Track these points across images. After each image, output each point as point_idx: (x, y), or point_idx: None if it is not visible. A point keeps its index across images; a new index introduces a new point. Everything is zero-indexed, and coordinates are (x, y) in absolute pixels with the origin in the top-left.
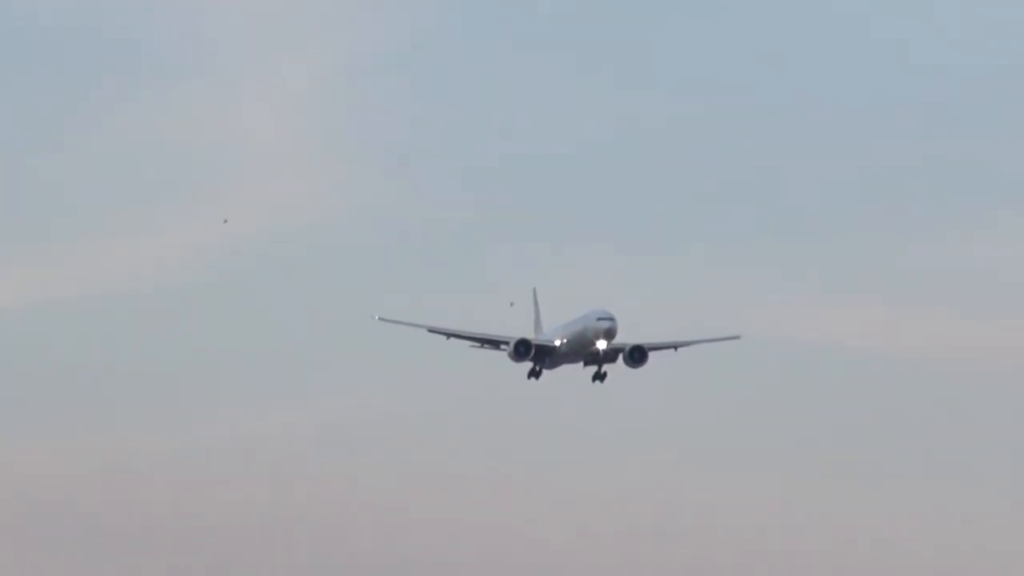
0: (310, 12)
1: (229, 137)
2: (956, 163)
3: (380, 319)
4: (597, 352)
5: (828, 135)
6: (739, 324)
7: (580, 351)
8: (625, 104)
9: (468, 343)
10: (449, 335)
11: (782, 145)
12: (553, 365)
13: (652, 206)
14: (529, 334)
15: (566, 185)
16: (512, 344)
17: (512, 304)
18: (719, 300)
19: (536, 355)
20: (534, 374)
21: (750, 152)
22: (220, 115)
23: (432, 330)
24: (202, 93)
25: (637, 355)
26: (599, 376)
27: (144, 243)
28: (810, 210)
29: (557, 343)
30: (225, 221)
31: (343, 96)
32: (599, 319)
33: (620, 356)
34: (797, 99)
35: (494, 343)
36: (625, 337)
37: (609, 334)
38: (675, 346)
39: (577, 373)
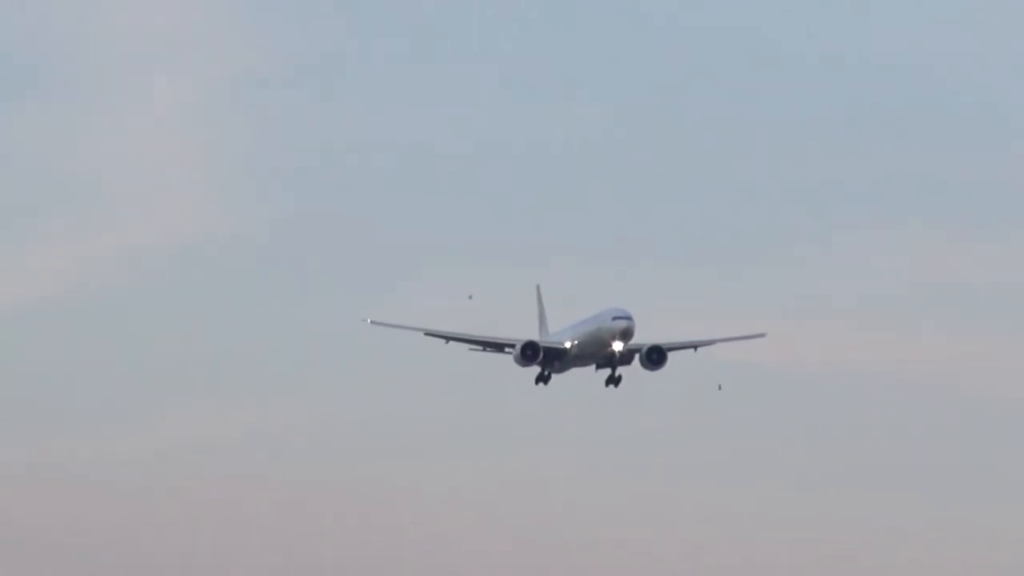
0: (192, 29)
1: (110, 153)
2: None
3: (372, 322)
4: (612, 354)
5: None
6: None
7: (593, 353)
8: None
9: (469, 346)
10: (448, 338)
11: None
12: (562, 369)
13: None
14: (534, 335)
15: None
16: (519, 347)
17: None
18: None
19: (544, 358)
20: (542, 379)
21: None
22: (102, 131)
23: (429, 333)
24: (84, 109)
25: (655, 356)
26: (613, 380)
27: (27, 258)
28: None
29: (568, 345)
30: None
31: (225, 112)
32: (615, 318)
33: (636, 358)
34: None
35: (498, 346)
36: (638, 337)
37: (626, 334)
38: (695, 346)
39: (589, 377)
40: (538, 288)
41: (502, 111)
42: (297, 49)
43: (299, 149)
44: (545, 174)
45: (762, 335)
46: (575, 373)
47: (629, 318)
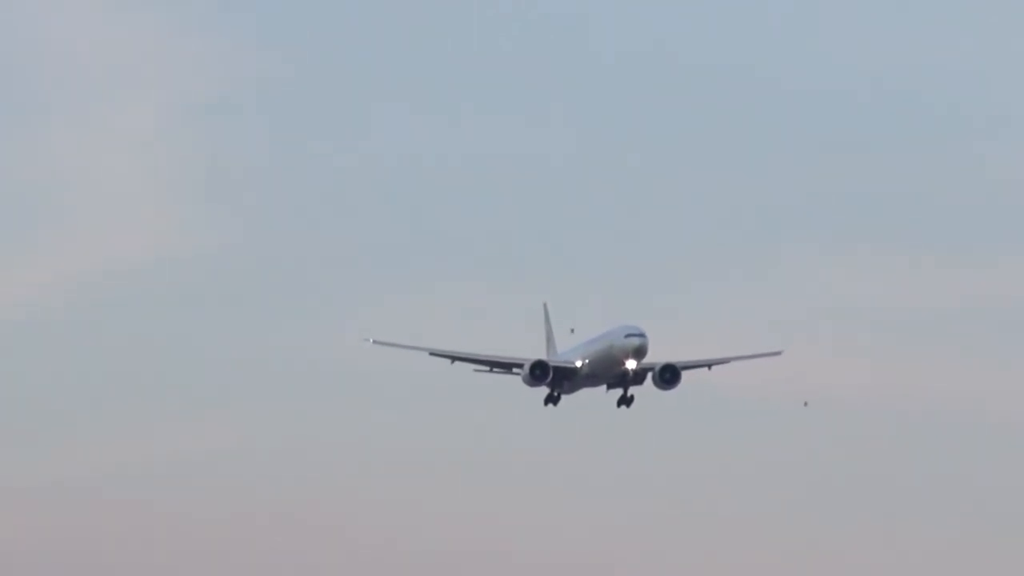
0: (149, 51)
1: (64, 174)
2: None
3: (374, 342)
4: (625, 373)
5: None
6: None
7: (605, 373)
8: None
9: (474, 367)
10: (454, 358)
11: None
12: (572, 389)
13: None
14: (542, 354)
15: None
16: (527, 367)
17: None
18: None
19: (554, 378)
20: (551, 400)
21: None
22: (64, 153)
23: (434, 353)
24: (46, 130)
25: (668, 375)
26: (625, 400)
27: None
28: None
29: (578, 364)
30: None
31: (188, 136)
32: (628, 335)
33: (649, 377)
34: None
35: (505, 366)
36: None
37: (640, 352)
38: (710, 364)
39: (599, 398)
40: (545, 306)
41: (465, 125)
42: (254, 72)
43: (255, 170)
44: (529, 189)
45: (778, 353)
46: (585, 394)
47: (642, 335)
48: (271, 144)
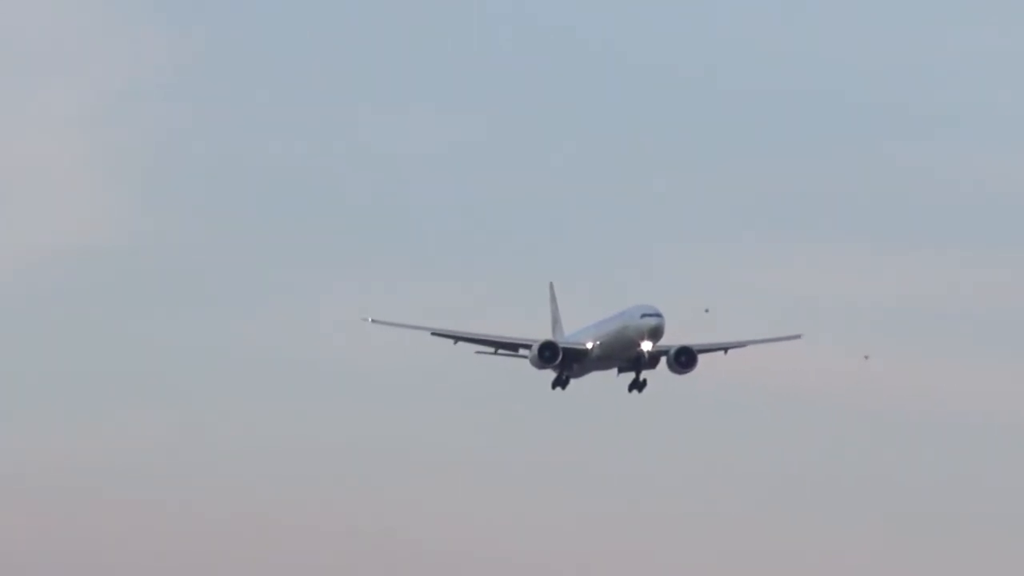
0: (77, 36)
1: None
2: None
3: (373, 321)
4: (640, 356)
5: None
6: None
7: (617, 355)
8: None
9: (477, 349)
10: (457, 339)
11: None
12: (582, 372)
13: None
14: (548, 335)
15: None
16: (536, 348)
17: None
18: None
19: (563, 361)
20: (560, 383)
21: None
22: None
23: (436, 333)
24: None
25: (684, 358)
26: (637, 385)
27: None
28: None
29: (589, 346)
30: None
31: (113, 120)
32: (644, 315)
33: (663, 360)
34: None
35: (512, 347)
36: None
37: (656, 333)
38: (726, 348)
39: (610, 381)
40: (551, 286)
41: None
42: (180, 58)
43: (177, 158)
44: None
45: (798, 336)
46: (595, 377)
47: (659, 315)
48: (199, 128)
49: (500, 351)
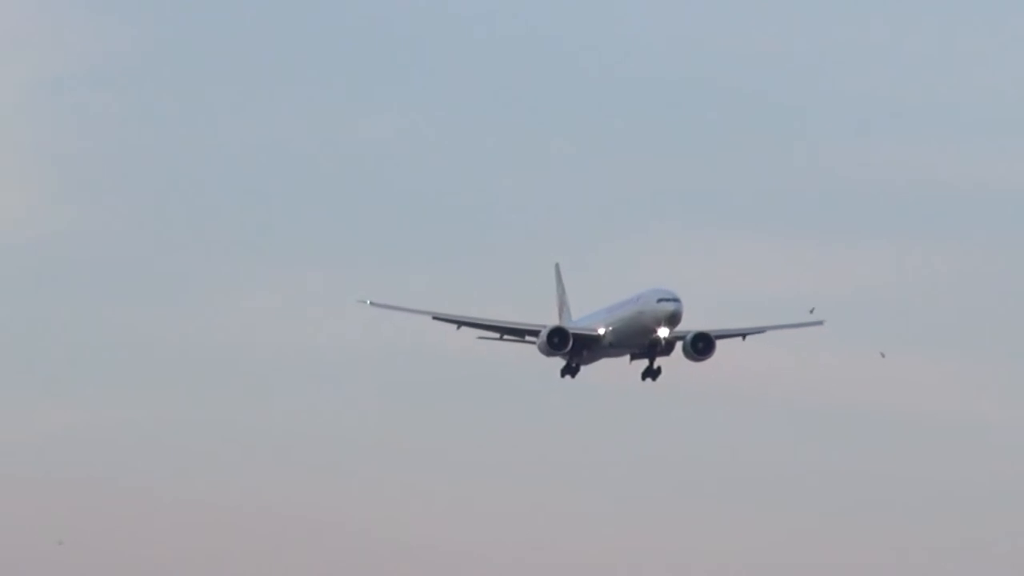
0: (16, 24)
1: None
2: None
3: (371, 303)
4: (656, 342)
5: None
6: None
7: (631, 341)
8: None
9: (480, 334)
10: (460, 323)
11: None
12: (592, 359)
13: None
14: (555, 320)
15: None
16: (544, 334)
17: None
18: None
19: (573, 347)
20: (569, 371)
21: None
22: None
23: (437, 317)
24: None
25: (702, 345)
26: (651, 372)
27: None
28: None
29: (601, 332)
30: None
31: (50, 109)
32: (661, 300)
33: (678, 346)
34: None
35: (518, 333)
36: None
37: (674, 319)
38: (744, 334)
39: (622, 369)
40: (557, 267)
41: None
42: (115, 47)
43: (110, 148)
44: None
45: (820, 322)
46: (606, 364)
47: (677, 300)
48: (139, 118)
49: (506, 337)
